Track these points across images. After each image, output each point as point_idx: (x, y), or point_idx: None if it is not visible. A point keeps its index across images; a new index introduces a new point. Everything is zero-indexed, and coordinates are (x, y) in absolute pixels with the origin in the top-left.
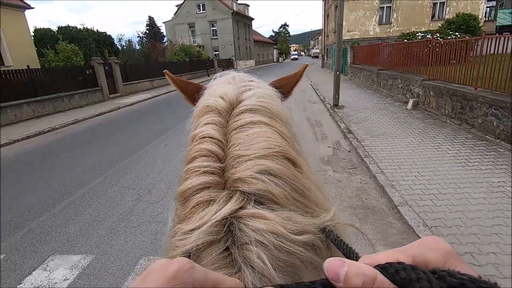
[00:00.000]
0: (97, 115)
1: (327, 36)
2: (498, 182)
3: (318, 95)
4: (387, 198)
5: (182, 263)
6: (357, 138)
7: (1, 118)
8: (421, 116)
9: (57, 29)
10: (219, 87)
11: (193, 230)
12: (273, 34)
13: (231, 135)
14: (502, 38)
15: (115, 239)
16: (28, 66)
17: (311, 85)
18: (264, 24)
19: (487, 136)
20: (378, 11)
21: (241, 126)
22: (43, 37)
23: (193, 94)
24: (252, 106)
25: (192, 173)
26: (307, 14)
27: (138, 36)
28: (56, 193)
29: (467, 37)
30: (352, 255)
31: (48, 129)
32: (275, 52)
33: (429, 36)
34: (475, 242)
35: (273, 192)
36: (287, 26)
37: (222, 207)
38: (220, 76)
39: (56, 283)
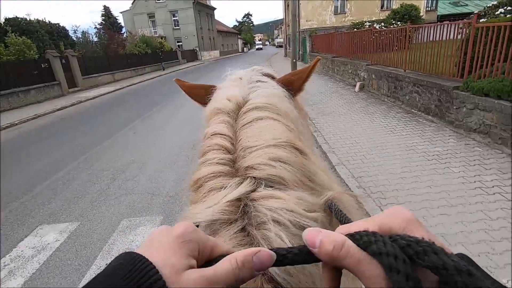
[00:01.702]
0: (58, 110)
1: (289, 26)
2: (412, 143)
3: None
4: (328, 161)
5: (186, 225)
6: (309, 118)
7: None
8: (365, 97)
9: (4, 20)
10: (226, 90)
11: (207, 208)
12: (236, 24)
13: (240, 131)
14: (425, 27)
15: (96, 209)
16: None
17: None
18: (227, 14)
19: (412, 110)
20: (333, 1)
21: (248, 122)
22: None
23: (205, 97)
24: (258, 104)
25: (204, 164)
26: (271, 4)
27: (95, 28)
28: (30, 179)
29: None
30: (347, 223)
31: (7, 124)
32: (240, 42)
33: (374, 25)
34: (385, 185)
35: (284, 176)
36: (251, 15)
37: (234, 190)
38: (228, 76)
39: (49, 243)
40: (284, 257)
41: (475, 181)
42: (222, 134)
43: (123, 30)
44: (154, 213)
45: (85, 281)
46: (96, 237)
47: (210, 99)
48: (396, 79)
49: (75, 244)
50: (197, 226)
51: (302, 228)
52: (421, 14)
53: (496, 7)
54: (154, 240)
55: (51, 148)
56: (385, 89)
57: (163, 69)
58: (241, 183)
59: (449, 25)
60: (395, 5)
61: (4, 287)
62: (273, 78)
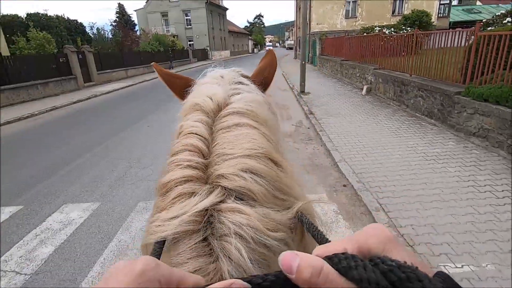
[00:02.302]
0: (74, 102)
1: (299, 28)
2: (413, 144)
3: (288, 83)
4: (331, 158)
5: (147, 262)
6: (316, 118)
7: None
8: (372, 100)
9: (25, 15)
10: (208, 86)
11: (173, 218)
12: (248, 24)
13: (217, 134)
14: (431, 34)
15: (115, 192)
16: (0, 53)
17: (282, 75)
18: (239, 15)
19: (416, 114)
20: (344, 6)
21: (227, 127)
22: (10, 24)
23: (181, 89)
24: (240, 109)
25: (176, 165)
26: (282, 5)
27: (111, 25)
28: (52, 164)
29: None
30: (319, 236)
31: (28, 115)
32: (250, 43)
33: (384, 30)
34: (384, 180)
35: (253, 190)
36: (262, 16)
37: (203, 199)
38: (209, 73)
39: (74, 219)
40: (259, 286)
41: (468, 180)
42: (199, 135)
43: (137, 28)
44: None
45: (107, 252)
46: (116, 215)
47: (187, 92)
48: (402, 83)
49: (97, 220)
50: (164, 241)
51: (263, 245)
52: (433, 20)
53: (505, 16)
54: (109, 282)
55: (69, 138)
56: (391, 93)
57: (171, 68)
58: (212, 192)
59: (454, 32)
60: (406, 11)
61: (38, 254)
62: (248, 78)
